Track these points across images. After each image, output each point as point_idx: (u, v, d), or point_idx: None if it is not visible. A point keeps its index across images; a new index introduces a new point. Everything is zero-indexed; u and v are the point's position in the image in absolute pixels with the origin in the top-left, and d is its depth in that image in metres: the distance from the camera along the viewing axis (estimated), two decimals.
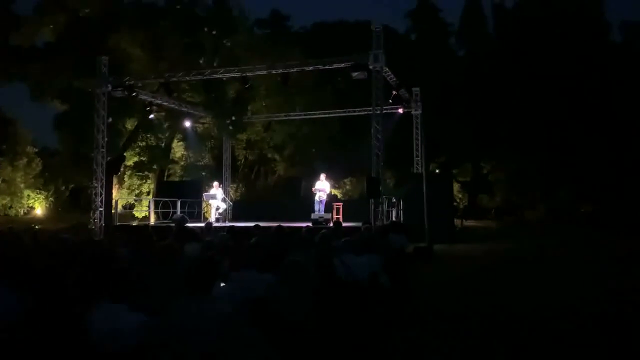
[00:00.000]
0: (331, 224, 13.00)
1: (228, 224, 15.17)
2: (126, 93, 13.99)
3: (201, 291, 2.55)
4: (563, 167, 28.60)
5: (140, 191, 30.59)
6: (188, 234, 7.42)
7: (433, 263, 10.02)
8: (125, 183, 30.38)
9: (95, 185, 14.48)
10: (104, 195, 14.51)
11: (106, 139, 15.43)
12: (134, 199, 28.39)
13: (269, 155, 29.72)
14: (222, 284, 3.95)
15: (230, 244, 5.87)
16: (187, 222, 14.40)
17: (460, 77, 30.87)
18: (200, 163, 29.25)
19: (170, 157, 28.72)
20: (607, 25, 31.81)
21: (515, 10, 33.33)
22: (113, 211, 15.94)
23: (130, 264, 4.96)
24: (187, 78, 14.31)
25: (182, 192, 18.58)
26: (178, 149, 29.70)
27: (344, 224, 13.74)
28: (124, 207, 30.10)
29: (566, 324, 5.59)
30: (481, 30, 36.02)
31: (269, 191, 30.69)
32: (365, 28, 13.48)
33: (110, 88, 14.14)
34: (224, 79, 18.91)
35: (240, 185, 31.40)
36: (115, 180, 31.92)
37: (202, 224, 14.94)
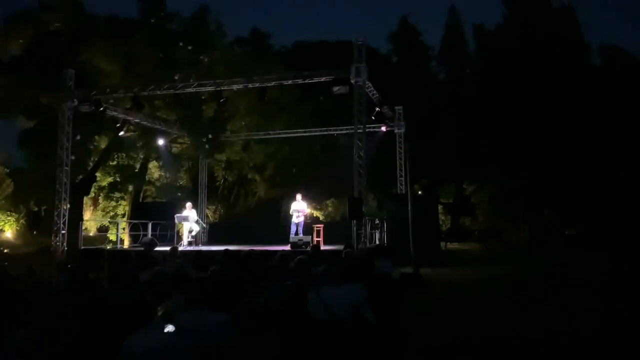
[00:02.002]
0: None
1: (202, 247, 14.28)
2: (93, 108, 13.11)
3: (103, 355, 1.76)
4: (546, 189, 28.37)
5: (115, 213, 29.47)
6: (148, 259, 6.59)
7: (421, 291, 9.26)
8: (100, 205, 29.27)
9: (59, 206, 13.46)
10: (67, 216, 13.48)
11: (72, 157, 14.47)
12: (109, 221, 27.24)
13: (249, 176, 28.92)
14: (168, 327, 3.15)
15: (192, 274, 5.07)
16: (156, 245, 13.52)
17: (442, 99, 30.73)
18: (179, 184, 28.29)
19: (147, 179, 27.72)
20: (587, 47, 32.07)
21: (496, 32, 33.47)
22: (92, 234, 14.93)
23: (64, 296, 4.15)
24: (158, 92, 13.51)
25: (157, 214, 17.63)
26: (155, 170, 28.73)
27: (325, 247, 13.00)
28: (99, 229, 28.84)
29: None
30: (462, 52, 36.20)
31: (249, 213, 29.77)
32: (347, 48, 12.92)
33: (76, 102, 13.25)
34: (203, 97, 18.27)
35: (219, 207, 30.47)
36: (89, 202, 30.83)
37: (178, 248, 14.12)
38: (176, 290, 3.87)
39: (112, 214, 28.94)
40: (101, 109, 13.14)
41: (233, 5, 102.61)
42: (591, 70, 30.79)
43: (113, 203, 28.72)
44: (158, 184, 29.24)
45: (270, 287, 3.74)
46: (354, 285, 4.53)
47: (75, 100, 13.15)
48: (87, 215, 28.95)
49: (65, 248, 13.07)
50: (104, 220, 27.32)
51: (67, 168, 13.44)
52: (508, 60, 30.14)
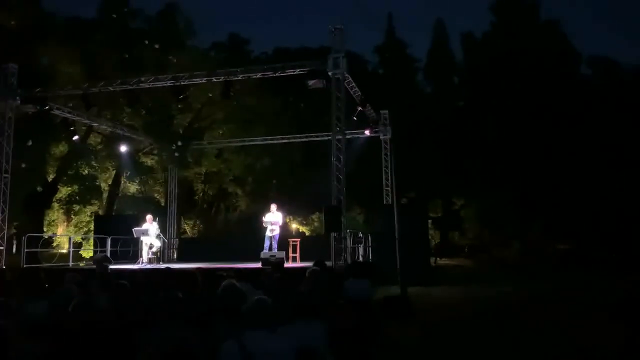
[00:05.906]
0: (286, 265, 10.75)
1: (162, 265, 12.73)
2: (38, 107, 11.56)
3: None
4: (534, 204, 27.31)
5: (89, 229, 27.91)
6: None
7: (409, 318, 7.63)
8: (73, 220, 27.69)
9: None
10: (5, 231, 11.85)
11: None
12: (82, 237, 25.68)
13: (230, 190, 27.54)
14: None
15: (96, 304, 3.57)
16: (110, 262, 11.96)
17: (428, 112, 29.83)
18: (156, 197, 26.90)
19: (121, 192, 26.25)
20: (578, 57, 31.25)
21: (483, 41, 32.60)
22: (59, 249, 13.32)
23: None
24: (110, 88, 12.04)
25: (122, 228, 16.00)
26: (131, 184, 27.30)
27: (301, 264, 11.56)
28: (73, 245, 27.14)
29: None
30: (449, 65, 35.50)
31: (230, 228, 28.34)
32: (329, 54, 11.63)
33: (19, 101, 11.70)
34: (180, 106, 16.82)
35: (198, 222, 28.96)
36: (62, 217, 29.06)
37: (135, 266, 12.57)
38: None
39: (85, 229, 27.43)
40: (47, 107, 11.59)
41: (212, 12, 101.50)
42: (580, 81, 29.95)
43: (87, 217, 27.27)
44: (134, 197, 27.80)
45: (153, 334, 2.27)
46: (307, 322, 3.11)
47: (17, 98, 11.61)
48: (59, 230, 27.57)
49: (4, 267, 11.43)
50: (73, 235, 25.66)
51: (6, 175, 11.79)
52: (495, 70, 29.28)
